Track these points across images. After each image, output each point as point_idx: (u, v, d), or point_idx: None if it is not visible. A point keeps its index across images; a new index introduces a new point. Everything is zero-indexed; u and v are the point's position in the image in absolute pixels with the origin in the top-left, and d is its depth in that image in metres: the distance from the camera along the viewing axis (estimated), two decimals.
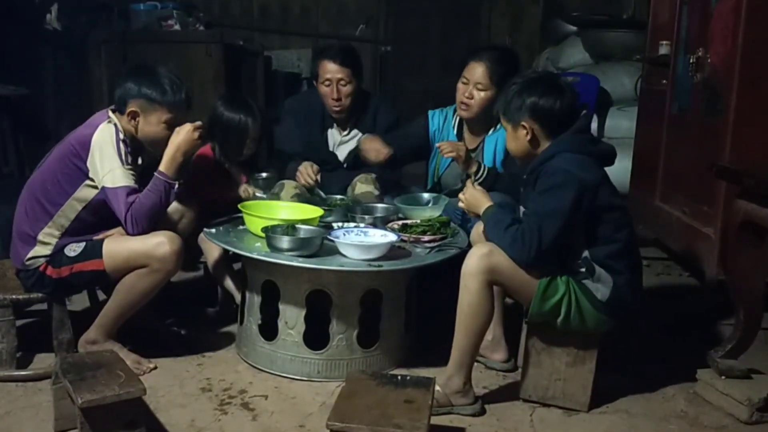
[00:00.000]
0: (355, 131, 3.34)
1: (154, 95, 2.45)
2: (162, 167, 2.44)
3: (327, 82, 3.19)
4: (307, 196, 3.00)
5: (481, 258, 2.19)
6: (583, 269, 2.24)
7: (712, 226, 3.10)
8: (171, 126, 2.49)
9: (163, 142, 2.49)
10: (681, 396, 2.51)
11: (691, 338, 3.03)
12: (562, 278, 2.23)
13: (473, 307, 2.20)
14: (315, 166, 3.13)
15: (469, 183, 2.49)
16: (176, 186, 2.45)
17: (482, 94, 2.88)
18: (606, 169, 2.31)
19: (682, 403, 2.46)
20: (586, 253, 2.23)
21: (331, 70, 3.17)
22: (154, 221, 2.42)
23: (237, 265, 2.94)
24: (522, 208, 2.35)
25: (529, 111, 2.26)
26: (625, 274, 2.25)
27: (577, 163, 2.20)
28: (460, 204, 2.46)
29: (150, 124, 2.47)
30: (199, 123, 2.52)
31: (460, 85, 2.95)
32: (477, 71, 2.89)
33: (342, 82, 3.18)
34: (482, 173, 2.80)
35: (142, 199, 2.40)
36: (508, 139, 2.37)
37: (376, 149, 3.00)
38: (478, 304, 2.20)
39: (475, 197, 2.38)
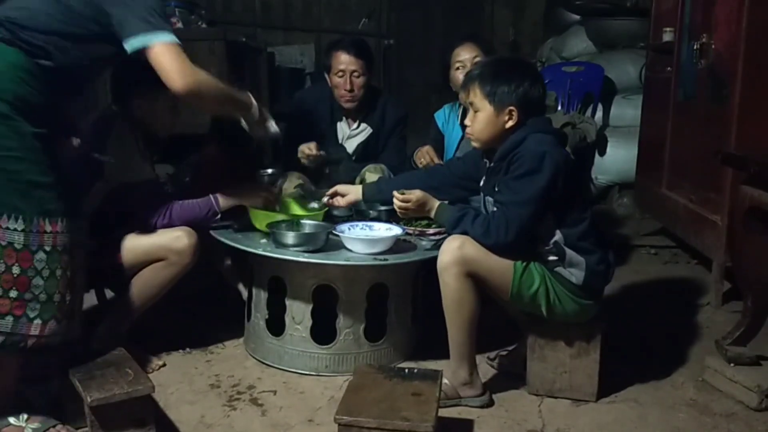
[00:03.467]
0: (363, 125, 3.35)
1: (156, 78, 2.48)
2: (220, 196, 2.54)
3: (340, 73, 3.19)
4: (311, 188, 3.01)
5: (453, 251, 2.17)
6: (555, 257, 2.21)
7: (719, 214, 3.09)
8: (175, 106, 2.56)
9: (170, 123, 2.60)
10: (690, 384, 2.50)
11: (699, 326, 3.02)
12: (537, 267, 2.21)
13: (456, 300, 2.19)
14: (314, 143, 3.17)
15: (400, 194, 2.35)
16: (217, 217, 2.57)
17: None
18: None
19: (691, 391, 2.46)
20: (557, 237, 2.20)
21: (344, 61, 3.18)
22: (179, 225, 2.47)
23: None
24: (489, 198, 2.29)
25: (519, 96, 2.21)
26: (597, 252, 2.24)
27: (548, 142, 2.19)
28: (402, 204, 2.33)
29: (156, 108, 2.53)
30: (273, 196, 2.67)
31: (457, 73, 3.03)
32: (465, 51, 3.03)
33: (355, 74, 3.19)
34: None
35: (186, 204, 2.50)
36: (483, 121, 2.24)
37: (431, 156, 3.09)
38: (459, 296, 2.18)
39: (424, 198, 2.32)
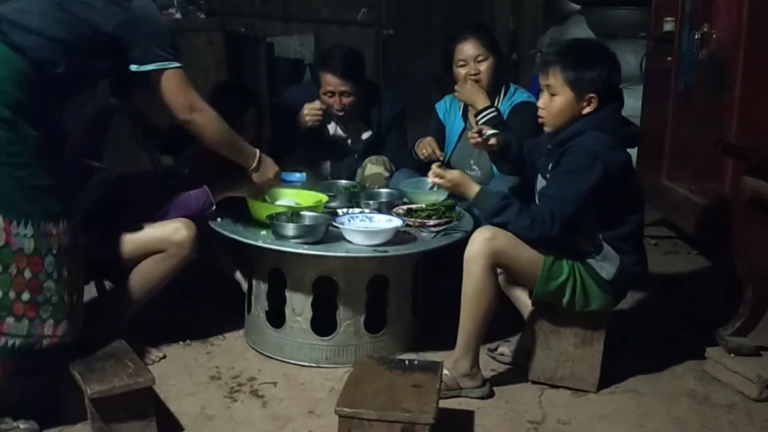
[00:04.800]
0: (366, 131, 3.34)
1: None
2: (215, 187, 2.55)
3: (329, 94, 3.15)
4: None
5: (483, 242, 2.18)
6: (592, 249, 2.23)
7: (719, 204, 3.08)
8: None
9: (170, 115, 2.54)
10: (690, 375, 2.50)
11: (699, 317, 3.02)
12: (567, 260, 2.22)
13: (477, 291, 2.20)
14: (317, 101, 3.19)
15: (437, 166, 2.40)
16: (212, 208, 2.55)
17: (485, 63, 2.95)
18: None
19: (692, 381, 2.46)
20: (597, 233, 2.22)
21: (332, 83, 3.11)
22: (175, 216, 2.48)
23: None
24: (540, 179, 2.31)
25: (602, 83, 2.17)
26: (633, 254, 2.25)
27: (605, 143, 2.15)
28: (436, 179, 2.37)
29: (156, 100, 2.48)
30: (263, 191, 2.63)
31: (460, 70, 2.98)
32: (468, 48, 2.96)
33: (345, 95, 3.13)
34: (489, 112, 2.83)
35: (182, 195, 2.50)
36: (560, 106, 2.21)
37: (432, 147, 3.03)
38: (481, 288, 2.19)
39: (460, 178, 2.33)
